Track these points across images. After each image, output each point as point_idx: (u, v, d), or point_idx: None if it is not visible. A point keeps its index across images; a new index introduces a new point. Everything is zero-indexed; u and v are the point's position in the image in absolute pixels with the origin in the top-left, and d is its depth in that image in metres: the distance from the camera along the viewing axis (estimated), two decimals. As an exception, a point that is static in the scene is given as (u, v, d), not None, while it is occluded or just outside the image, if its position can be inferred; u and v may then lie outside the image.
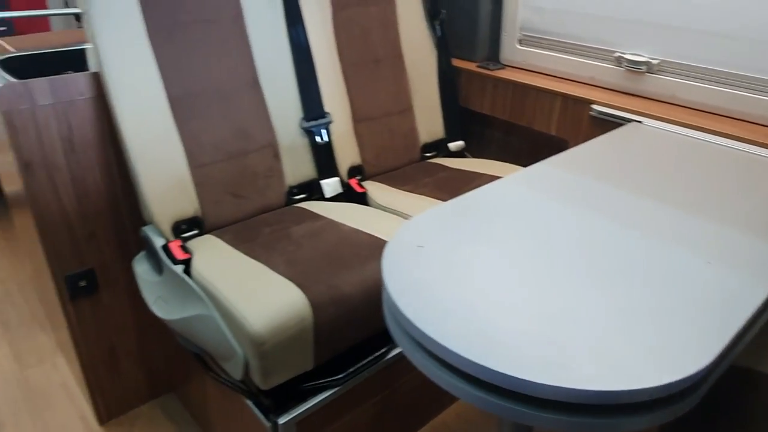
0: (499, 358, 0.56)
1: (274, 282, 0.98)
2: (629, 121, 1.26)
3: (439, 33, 1.54)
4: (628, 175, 0.98)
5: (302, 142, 1.31)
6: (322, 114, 1.32)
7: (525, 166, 1.46)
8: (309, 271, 1.01)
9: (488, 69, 1.55)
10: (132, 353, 1.42)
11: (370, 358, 1.08)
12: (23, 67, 1.25)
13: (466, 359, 0.57)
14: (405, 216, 1.25)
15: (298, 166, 1.32)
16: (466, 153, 1.64)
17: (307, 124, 1.30)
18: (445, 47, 1.56)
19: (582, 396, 0.54)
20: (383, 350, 1.10)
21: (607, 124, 1.30)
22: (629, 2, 1.31)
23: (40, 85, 1.05)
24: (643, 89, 1.33)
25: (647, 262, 0.72)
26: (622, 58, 1.34)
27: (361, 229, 1.15)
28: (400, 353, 1.14)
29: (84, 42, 2.45)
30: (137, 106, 1.07)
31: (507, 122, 1.63)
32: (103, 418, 1.44)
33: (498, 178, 1.38)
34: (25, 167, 1.08)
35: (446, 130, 1.61)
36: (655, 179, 0.97)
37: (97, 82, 1.12)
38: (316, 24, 1.32)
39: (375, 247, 1.09)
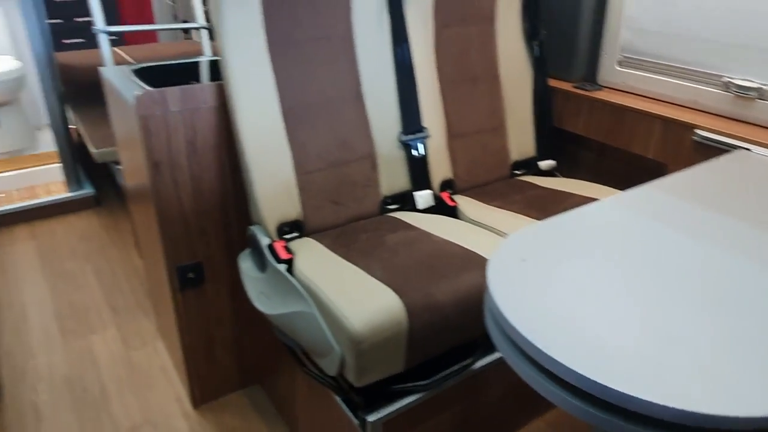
0: (606, 371, 0.58)
1: (372, 286, 1.03)
2: (736, 148, 1.22)
3: (537, 53, 1.56)
4: (737, 203, 0.96)
5: (399, 154, 1.37)
6: (420, 128, 1.37)
7: (618, 188, 1.45)
8: (405, 278, 1.05)
9: (585, 90, 1.55)
10: (227, 344, 1.52)
11: (457, 366, 1.11)
12: (147, 76, 1.39)
13: (574, 371, 0.59)
14: (495, 231, 1.27)
15: (393, 178, 1.37)
16: (556, 173, 1.64)
17: (405, 138, 1.35)
18: (542, 67, 1.58)
19: (689, 417, 0.54)
20: (470, 360, 1.13)
21: (712, 150, 1.27)
22: (740, 26, 1.27)
23: (173, 93, 1.17)
24: (753, 116, 1.29)
25: (757, 291, 0.71)
26: (731, 83, 1.30)
27: (453, 241, 1.19)
28: (486, 365, 1.16)
29: (194, 53, 2.65)
30: (255, 116, 1.17)
31: (601, 143, 1.61)
32: (197, 401, 1.55)
33: (590, 199, 1.38)
34: (155, 166, 1.20)
35: (538, 149, 1.62)
36: (766, 208, 0.94)
37: (219, 92, 1.23)
38: (419, 42, 1.38)
39: (468, 259, 1.12)
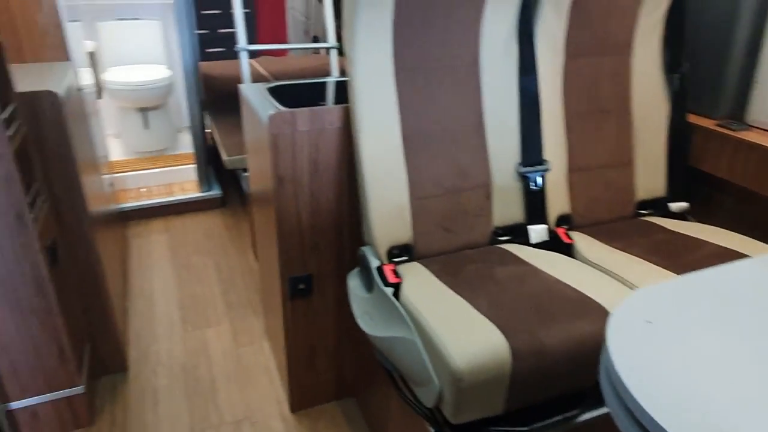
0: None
1: (477, 322, 1.01)
2: None
3: (676, 87, 1.45)
4: None
5: (515, 185, 1.33)
6: (541, 161, 1.33)
7: (761, 240, 1.29)
8: (512, 317, 1.02)
9: (730, 129, 1.41)
10: (328, 355, 1.56)
11: (561, 417, 1.05)
12: (279, 94, 1.47)
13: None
14: (615, 276, 1.19)
15: (507, 209, 1.34)
16: (688, 216, 1.51)
17: (523, 170, 1.32)
18: (681, 102, 1.46)
19: None
20: (575, 412, 1.07)
21: None
22: None
23: (302, 114, 1.23)
24: None
25: None
26: None
27: (566, 282, 1.13)
28: (592, 418, 1.09)
29: (321, 68, 2.78)
30: (377, 139, 1.20)
31: (743, 189, 1.46)
32: (294, 406, 1.61)
33: (727, 249, 1.25)
34: (279, 181, 1.27)
35: (669, 189, 1.50)
36: None
37: (344, 115, 1.27)
38: (547, 72, 1.34)
39: (581, 303, 1.06)
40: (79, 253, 1.55)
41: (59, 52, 1.77)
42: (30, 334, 1.35)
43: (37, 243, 1.26)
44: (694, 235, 1.34)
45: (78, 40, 2.10)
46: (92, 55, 2.20)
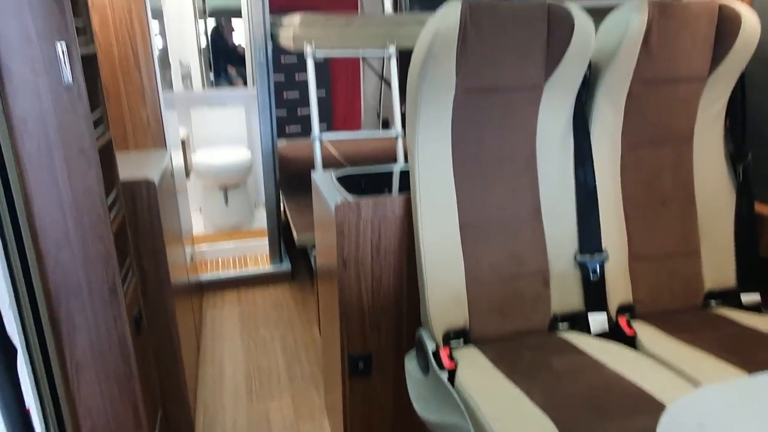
0: None
1: (531, 413, 1.01)
2: None
3: (740, 178, 1.44)
4: None
5: (574, 273, 1.34)
6: (599, 249, 1.34)
7: None
8: (567, 410, 1.01)
9: (802, 220, 1.37)
10: (385, 434, 1.57)
11: None
12: (347, 182, 1.58)
13: None
14: (679, 371, 1.16)
15: (566, 296, 1.35)
16: (762, 309, 1.44)
17: (581, 258, 1.33)
18: (747, 191, 1.44)
19: None
20: None
21: None
22: None
23: (366, 203, 1.32)
24: None
25: None
26: None
27: (626, 376, 1.11)
28: None
29: (389, 150, 2.92)
30: (435, 227, 1.26)
31: (823, 282, 1.39)
32: (350, 487, 1.61)
33: (805, 348, 1.18)
34: (343, 263, 1.35)
35: (739, 280, 1.45)
36: None
37: (405, 203, 1.35)
38: (604, 164, 1.37)
39: (641, 400, 1.04)
40: (159, 322, 1.67)
41: (157, 140, 2.00)
42: (111, 398, 1.46)
43: (125, 315, 1.39)
44: (767, 331, 1.28)
45: (173, 125, 2.36)
46: (184, 143, 2.45)
